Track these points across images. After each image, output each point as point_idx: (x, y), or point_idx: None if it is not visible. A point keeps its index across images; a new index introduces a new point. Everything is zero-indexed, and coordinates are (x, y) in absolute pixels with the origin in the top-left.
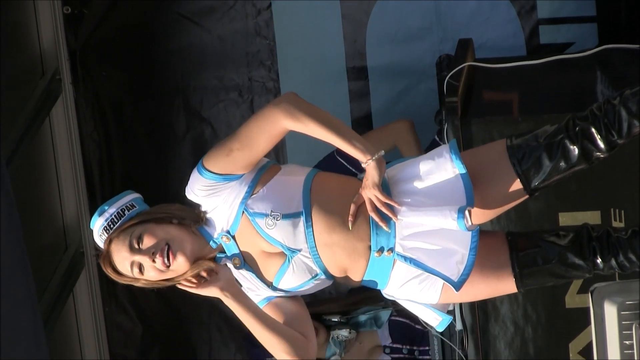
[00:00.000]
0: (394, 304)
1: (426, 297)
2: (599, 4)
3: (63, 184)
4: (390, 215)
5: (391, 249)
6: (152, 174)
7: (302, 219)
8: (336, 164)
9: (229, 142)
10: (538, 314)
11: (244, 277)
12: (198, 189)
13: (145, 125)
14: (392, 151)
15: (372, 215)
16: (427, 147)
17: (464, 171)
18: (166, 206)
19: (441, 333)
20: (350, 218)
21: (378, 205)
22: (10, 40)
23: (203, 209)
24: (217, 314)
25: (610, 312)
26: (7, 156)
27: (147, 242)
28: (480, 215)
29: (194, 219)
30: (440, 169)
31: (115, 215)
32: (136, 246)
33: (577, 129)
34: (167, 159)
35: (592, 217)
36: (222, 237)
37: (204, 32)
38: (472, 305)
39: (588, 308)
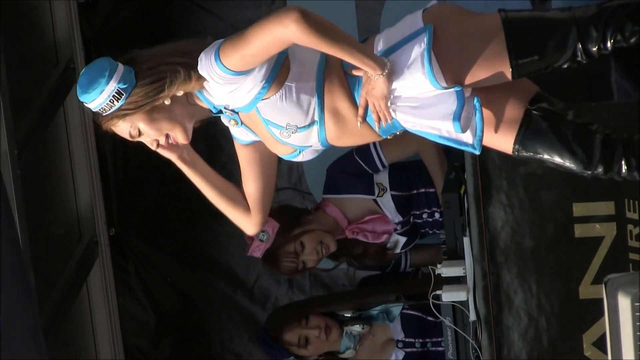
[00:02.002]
0: (406, 298)
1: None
2: None
3: (77, 173)
4: (389, 120)
5: (401, 130)
6: (165, 162)
7: (317, 127)
8: (353, 163)
9: (241, 47)
10: (552, 305)
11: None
12: (213, 76)
13: None
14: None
15: (376, 119)
16: None
17: (459, 88)
18: (157, 76)
19: (455, 323)
20: (359, 119)
21: (380, 113)
22: (25, 28)
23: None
24: (230, 304)
25: (624, 303)
26: (21, 145)
27: (147, 134)
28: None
29: (191, 83)
30: (421, 86)
31: (106, 104)
32: (137, 136)
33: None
34: None
35: (606, 208)
36: (225, 110)
37: (217, 20)
38: (486, 296)
39: (602, 299)
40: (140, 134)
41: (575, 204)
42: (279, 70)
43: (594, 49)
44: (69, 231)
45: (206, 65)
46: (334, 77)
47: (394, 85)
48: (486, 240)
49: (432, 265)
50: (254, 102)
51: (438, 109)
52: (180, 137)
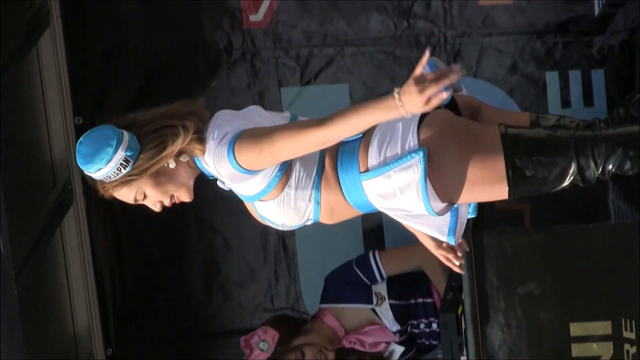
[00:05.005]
0: None
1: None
2: None
3: (74, 295)
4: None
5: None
6: (164, 284)
7: (312, 221)
8: (351, 274)
9: (264, 146)
10: None
11: None
12: (222, 173)
13: (157, 234)
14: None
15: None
16: None
17: (455, 207)
18: (160, 139)
19: None
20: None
21: (438, 85)
22: (22, 149)
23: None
24: None
25: None
26: (19, 266)
27: (152, 198)
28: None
29: (189, 140)
30: (415, 208)
31: (113, 172)
32: (141, 200)
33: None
34: (179, 268)
35: (603, 327)
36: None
37: None
38: None
39: None
40: (145, 197)
41: (572, 323)
42: (280, 179)
43: (592, 177)
44: (65, 351)
45: (216, 158)
46: (330, 172)
47: (388, 202)
48: None
49: None
50: (251, 200)
51: (430, 221)
52: (185, 197)
